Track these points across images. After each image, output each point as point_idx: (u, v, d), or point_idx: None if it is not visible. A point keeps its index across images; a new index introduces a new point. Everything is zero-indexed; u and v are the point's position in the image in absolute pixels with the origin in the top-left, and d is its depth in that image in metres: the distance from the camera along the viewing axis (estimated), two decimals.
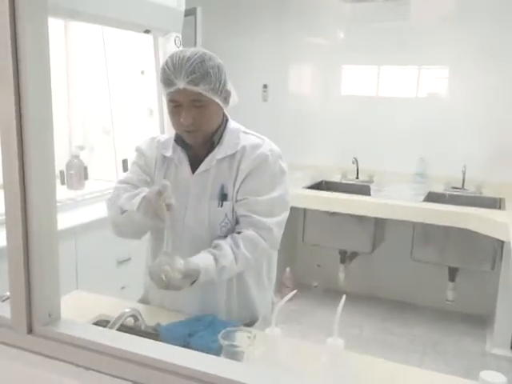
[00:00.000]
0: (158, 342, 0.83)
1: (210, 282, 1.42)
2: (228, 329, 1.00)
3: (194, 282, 1.37)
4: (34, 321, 0.81)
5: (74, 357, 0.79)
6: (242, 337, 0.98)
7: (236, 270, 1.45)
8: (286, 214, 1.52)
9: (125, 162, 3.02)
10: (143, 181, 1.56)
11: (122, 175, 1.65)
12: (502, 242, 3.02)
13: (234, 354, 0.94)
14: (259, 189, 1.46)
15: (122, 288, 2.73)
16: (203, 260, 1.38)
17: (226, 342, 0.94)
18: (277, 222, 1.47)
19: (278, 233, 1.49)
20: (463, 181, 3.64)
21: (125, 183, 1.58)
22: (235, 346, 0.94)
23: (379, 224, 3.62)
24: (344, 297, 1.03)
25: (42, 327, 0.81)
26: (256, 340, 0.99)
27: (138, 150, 1.62)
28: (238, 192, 1.47)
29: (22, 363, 0.83)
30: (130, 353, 0.75)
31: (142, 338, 0.82)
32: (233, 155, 1.49)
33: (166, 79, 1.41)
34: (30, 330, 0.82)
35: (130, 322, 1.33)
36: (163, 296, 1.59)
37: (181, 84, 1.38)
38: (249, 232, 1.44)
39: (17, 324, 0.83)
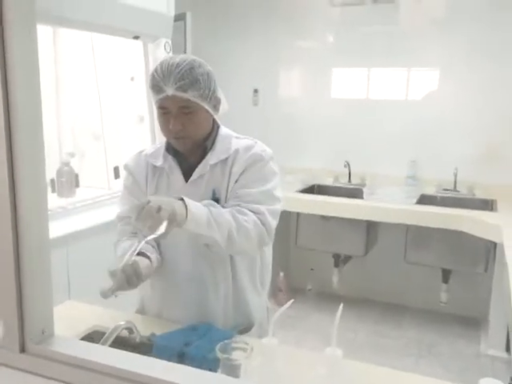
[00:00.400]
0: (154, 359, 0.81)
1: (206, 225, 1.31)
2: (225, 341, 0.98)
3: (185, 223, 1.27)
4: (26, 339, 0.79)
5: (69, 376, 0.77)
6: (239, 349, 0.97)
7: (229, 224, 1.35)
8: (278, 207, 1.48)
9: (116, 169, 3.00)
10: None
11: (118, 209, 1.61)
12: (495, 244, 3.03)
13: (232, 367, 0.92)
14: (249, 184, 1.45)
15: (116, 296, 2.70)
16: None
17: (224, 356, 0.92)
18: (268, 209, 1.44)
19: (272, 220, 1.44)
20: (455, 183, 3.65)
21: (122, 220, 1.57)
22: (233, 360, 0.92)
23: (372, 227, 3.62)
24: (341, 306, 1.02)
25: (34, 345, 0.79)
26: (253, 351, 0.98)
27: (125, 168, 1.61)
28: (230, 193, 1.47)
29: (14, 383, 0.81)
30: (126, 371, 0.73)
31: (138, 356, 0.80)
32: (225, 159, 1.49)
33: (155, 86, 1.40)
34: (23, 349, 0.79)
35: (125, 333, 1.31)
36: (161, 306, 1.58)
37: (169, 91, 1.37)
38: (240, 208, 1.41)
39: (9, 343, 0.80)
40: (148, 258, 1.42)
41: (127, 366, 0.74)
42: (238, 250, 1.46)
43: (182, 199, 1.30)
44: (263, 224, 1.41)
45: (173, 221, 1.24)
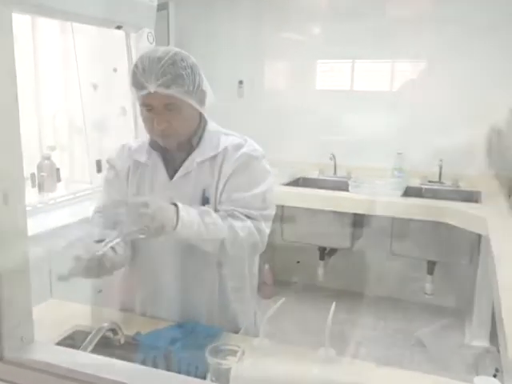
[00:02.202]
0: (138, 366, 0.78)
1: (197, 236, 1.27)
2: (215, 344, 0.95)
3: (176, 225, 1.22)
4: (4, 347, 0.74)
5: None
6: (229, 351, 0.94)
7: (223, 231, 1.31)
8: (271, 211, 1.46)
9: (98, 162, 2.94)
10: (116, 201, 1.51)
11: (97, 202, 1.59)
12: (480, 235, 3.04)
13: (222, 371, 0.89)
14: (241, 187, 1.41)
15: (99, 292, 2.66)
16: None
17: (215, 360, 0.89)
18: (262, 215, 1.41)
19: (265, 224, 1.41)
20: (440, 175, 3.65)
21: (99, 212, 1.55)
22: (223, 364, 0.89)
23: (358, 220, 3.61)
24: (334, 305, 1.00)
25: (13, 354, 0.74)
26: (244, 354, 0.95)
27: (108, 162, 1.57)
28: (221, 194, 1.42)
29: None
30: (110, 380, 0.69)
31: (122, 363, 0.76)
32: (214, 157, 1.44)
33: (137, 82, 1.33)
34: (0, 357, 0.75)
35: (109, 334, 1.27)
36: (145, 304, 1.54)
37: (152, 87, 1.30)
38: (234, 213, 1.37)
39: None
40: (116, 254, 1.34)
41: (111, 375, 0.70)
42: (228, 257, 1.43)
43: (176, 205, 1.25)
44: (258, 231, 1.38)
45: (161, 228, 1.20)
